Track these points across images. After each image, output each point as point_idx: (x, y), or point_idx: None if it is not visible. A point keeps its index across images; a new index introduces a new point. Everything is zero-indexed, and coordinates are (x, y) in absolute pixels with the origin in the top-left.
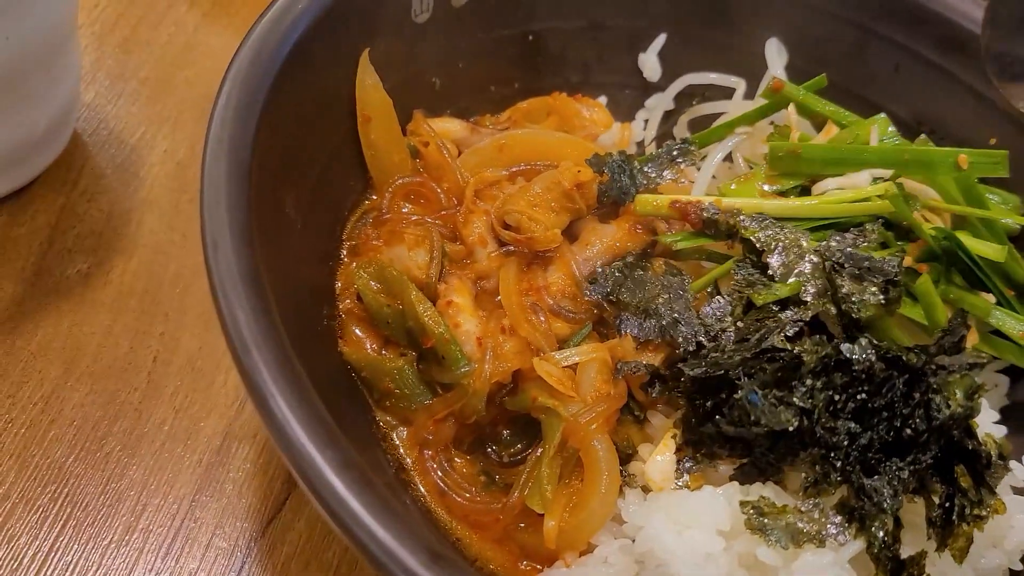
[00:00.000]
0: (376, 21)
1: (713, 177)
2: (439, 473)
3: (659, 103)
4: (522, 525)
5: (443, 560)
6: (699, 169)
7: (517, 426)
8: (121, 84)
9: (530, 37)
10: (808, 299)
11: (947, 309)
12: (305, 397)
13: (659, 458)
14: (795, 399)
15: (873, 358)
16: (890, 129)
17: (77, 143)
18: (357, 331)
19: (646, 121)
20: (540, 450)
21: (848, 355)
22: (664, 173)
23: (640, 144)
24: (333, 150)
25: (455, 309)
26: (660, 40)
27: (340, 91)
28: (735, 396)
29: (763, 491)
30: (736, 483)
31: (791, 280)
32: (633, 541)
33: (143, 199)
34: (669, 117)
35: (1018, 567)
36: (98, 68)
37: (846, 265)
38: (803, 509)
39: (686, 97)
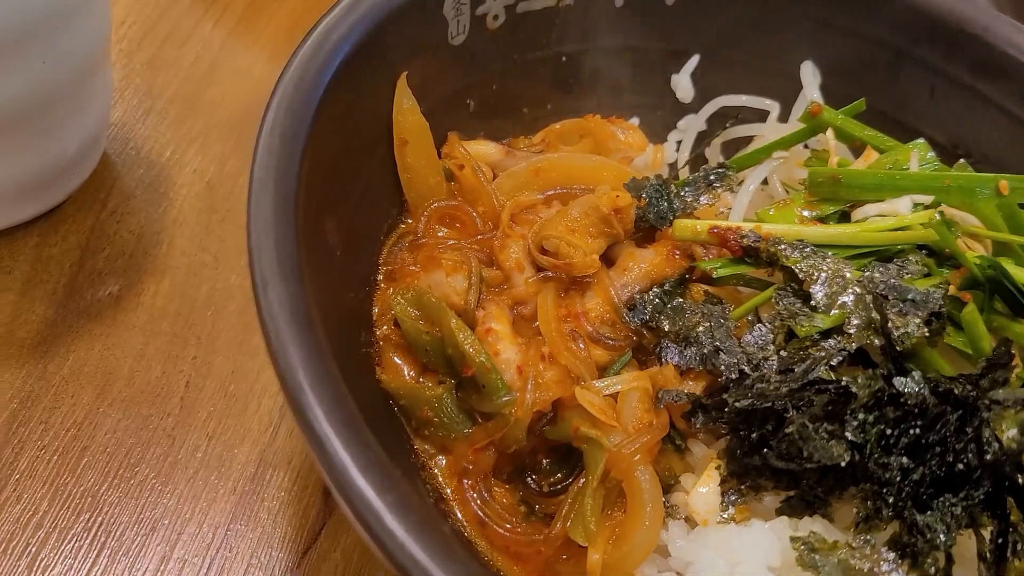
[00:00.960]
0: (414, 44)
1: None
2: (478, 503)
3: (692, 125)
4: (564, 557)
5: None
6: (736, 193)
7: (557, 455)
8: (149, 102)
9: (563, 59)
10: (852, 331)
11: (991, 338)
12: (358, 436)
13: (703, 489)
14: (847, 433)
15: (927, 392)
16: (929, 155)
17: (106, 162)
18: (395, 358)
19: (679, 143)
20: (583, 480)
21: (901, 388)
22: (701, 198)
23: (672, 166)
24: (370, 174)
25: (495, 337)
26: (693, 61)
27: (378, 115)
28: (785, 429)
29: (812, 526)
30: (784, 517)
31: (834, 312)
32: (678, 575)
33: (173, 219)
34: (702, 139)
35: None
36: (126, 87)
37: (890, 297)
38: (854, 545)
39: (719, 118)
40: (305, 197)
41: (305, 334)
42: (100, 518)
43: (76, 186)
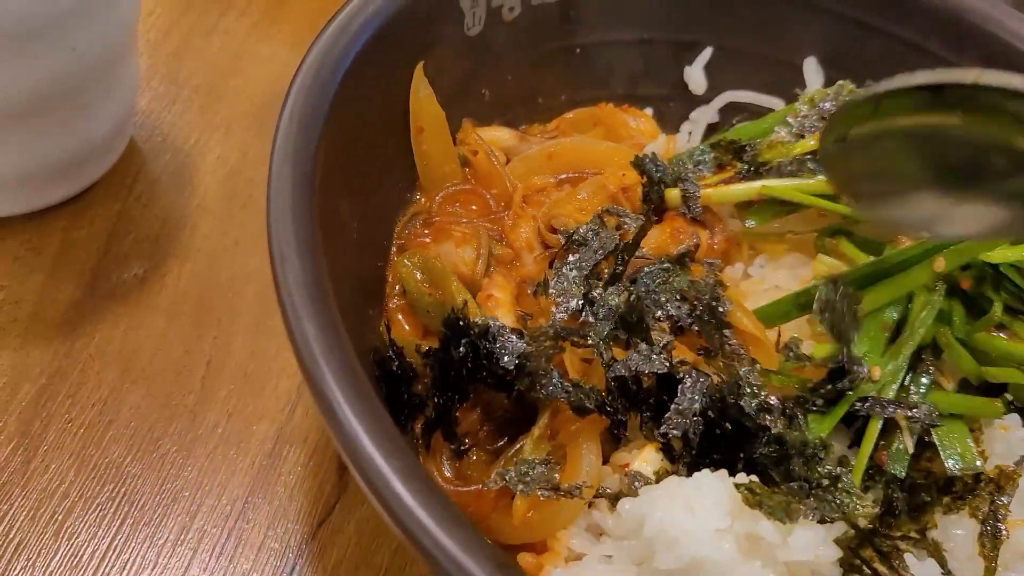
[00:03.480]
0: (431, 34)
1: None
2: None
3: (703, 116)
4: (500, 507)
5: (509, 569)
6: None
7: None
8: (174, 91)
9: (577, 50)
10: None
11: None
12: (370, 407)
13: (648, 455)
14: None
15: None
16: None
17: (132, 149)
18: (402, 322)
19: (690, 133)
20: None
21: None
22: (703, 171)
23: None
24: (387, 159)
25: (494, 303)
26: (707, 53)
27: (395, 102)
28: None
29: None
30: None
31: None
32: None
33: (197, 205)
34: (712, 130)
35: None
36: (152, 75)
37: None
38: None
39: (731, 110)
40: (322, 179)
41: (320, 308)
42: (123, 489)
43: (103, 171)
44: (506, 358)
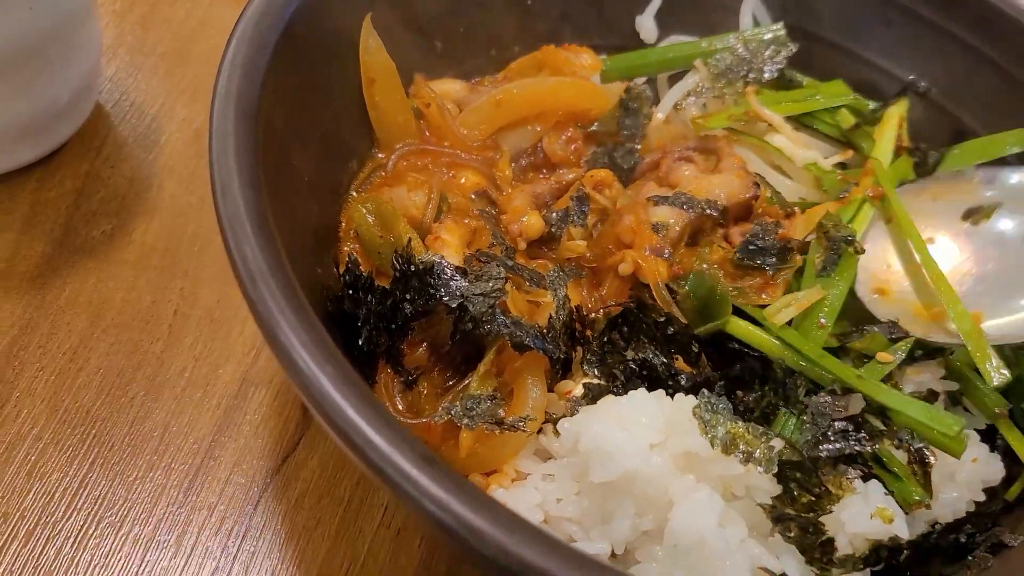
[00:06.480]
0: None
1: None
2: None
3: None
4: (449, 442)
5: (434, 462)
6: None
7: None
8: (141, 58)
9: (529, 1)
10: None
11: None
12: (307, 320)
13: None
14: None
15: None
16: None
17: (100, 114)
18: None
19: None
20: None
21: None
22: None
23: None
24: (340, 109)
25: (441, 244)
26: (656, 2)
27: (345, 52)
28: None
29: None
30: (659, 390)
31: None
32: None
33: (163, 165)
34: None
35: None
36: (119, 44)
37: None
38: (750, 429)
39: None
40: (266, 121)
41: (260, 232)
42: (94, 431)
43: (70, 133)
44: (447, 296)
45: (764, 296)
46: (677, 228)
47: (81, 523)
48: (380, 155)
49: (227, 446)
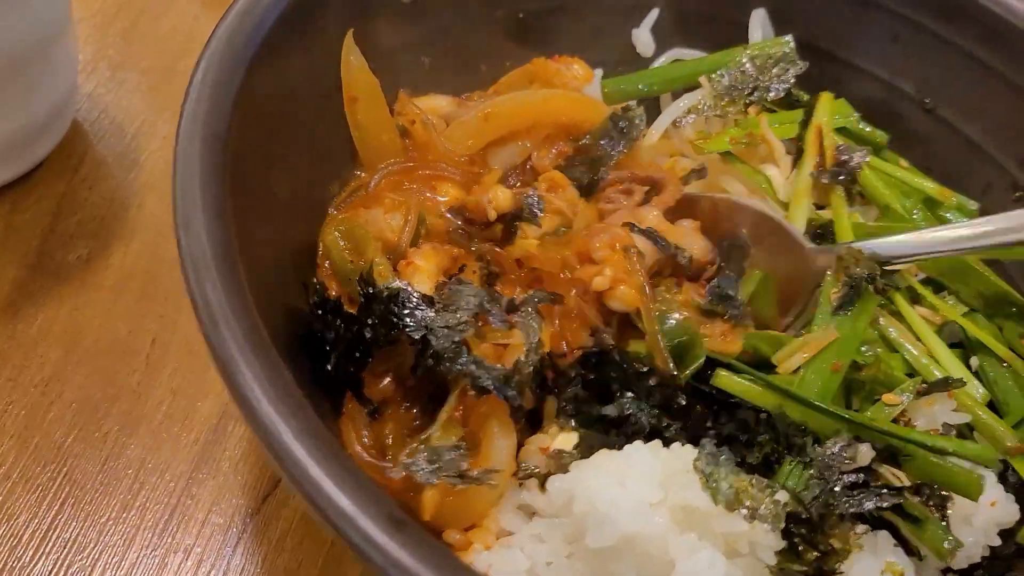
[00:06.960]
0: (362, 1)
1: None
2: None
3: None
4: (412, 494)
5: (403, 526)
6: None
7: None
8: (122, 74)
9: (520, 15)
10: None
11: None
12: (271, 367)
13: (566, 437)
14: None
15: None
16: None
17: (78, 132)
18: (332, 286)
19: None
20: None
21: None
22: (619, 147)
23: None
24: (322, 129)
25: (413, 269)
26: (653, 15)
27: (327, 70)
28: None
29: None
30: (656, 440)
31: None
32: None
33: (144, 184)
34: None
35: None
36: (99, 59)
37: None
38: (754, 483)
39: None
40: (237, 143)
41: (227, 273)
42: (65, 469)
43: (46, 152)
44: (411, 325)
45: (727, 342)
46: (648, 262)
47: (50, 568)
48: (363, 175)
49: (205, 484)
